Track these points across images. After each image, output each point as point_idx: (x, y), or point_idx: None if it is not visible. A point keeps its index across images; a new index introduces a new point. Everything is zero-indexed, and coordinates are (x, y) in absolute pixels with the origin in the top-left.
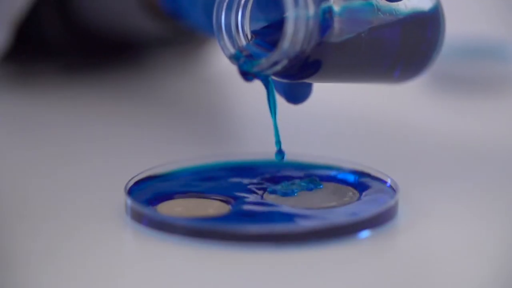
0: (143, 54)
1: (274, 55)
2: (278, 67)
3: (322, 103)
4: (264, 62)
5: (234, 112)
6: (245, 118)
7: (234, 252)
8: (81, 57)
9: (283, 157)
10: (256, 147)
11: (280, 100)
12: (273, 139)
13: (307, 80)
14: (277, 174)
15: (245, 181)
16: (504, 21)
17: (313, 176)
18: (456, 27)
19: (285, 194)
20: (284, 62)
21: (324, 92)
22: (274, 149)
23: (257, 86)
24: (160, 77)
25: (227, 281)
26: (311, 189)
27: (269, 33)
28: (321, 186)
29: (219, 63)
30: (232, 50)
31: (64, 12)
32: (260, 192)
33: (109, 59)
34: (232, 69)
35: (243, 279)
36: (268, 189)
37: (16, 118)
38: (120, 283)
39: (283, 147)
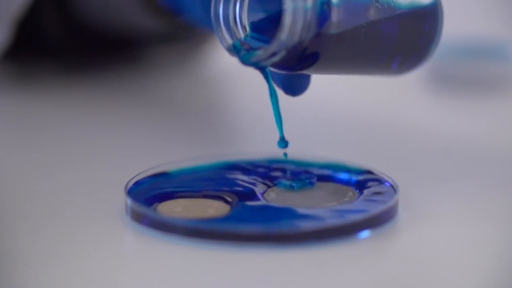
0: (143, 52)
1: (272, 46)
2: (276, 59)
3: (322, 103)
4: (262, 53)
5: (234, 111)
6: (245, 118)
7: (234, 253)
8: (81, 56)
9: (286, 145)
10: (256, 146)
11: (278, 93)
12: (273, 139)
13: (305, 72)
14: (277, 173)
15: (245, 181)
16: (504, 21)
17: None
18: (456, 27)
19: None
20: (282, 53)
21: (324, 91)
22: (274, 148)
23: (257, 86)
24: (160, 76)
25: (227, 281)
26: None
27: (267, 25)
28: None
29: (219, 61)
30: (230, 42)
31: (64, 10)
32: (260, 192)
33: (109, 57)
34: (232, 68)
35: (243, 279)
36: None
37: (16, 118)
38: (120, 283)
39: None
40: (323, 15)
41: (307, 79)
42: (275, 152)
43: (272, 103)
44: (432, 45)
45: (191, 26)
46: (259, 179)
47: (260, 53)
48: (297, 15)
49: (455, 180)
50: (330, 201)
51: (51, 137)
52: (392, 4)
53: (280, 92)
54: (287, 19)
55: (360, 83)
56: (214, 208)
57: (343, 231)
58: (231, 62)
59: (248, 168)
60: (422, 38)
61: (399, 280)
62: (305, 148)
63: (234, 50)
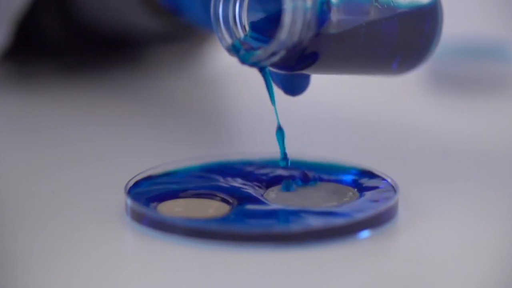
0: (143, 52)
1: (272, 46)
2: (275, 58)
3: (322, 103)
4: (261, 53)
5: (234, 111)
6: (245, 118)
7: (234, 252)
8: (81, 56)
9: (287, 163)
10: (256, 146)
11: (278, 92)
12: (273, 139)
13: (304, 72)
14: (277, 173)
15: (245, 181)
16: (504, 21)
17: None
18: (456, 27)
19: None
20: (282, 53)
21: (324, 91)
22: (274, 148)
23: (257, 86)
24: (160, 76)
25: (227, 282)
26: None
27: (267, 25)
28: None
29: (219, 61)
30: (229, 42)
31: (64, 10)
32: (260, 191)
33: (109, 57)
34: (232, 68)
35: (243, 279)
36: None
37: (16, 118)
38: (120, 283)
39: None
40: (322, 15)
41: (306, 79)
42: (275, 152)
43: (278, 138)
44: (432, 45)
45: (191, 26)
46: (259, 179)
47: (259, 53)
48: (297, 14)
49: (455, 180)
50: (330, 201)
51: (51, 137)
52: (392, 4)
53: (280, 92)
54: (286, 18)
55: (360, 83)
56: (214, 208)
57: (343, 231)
58: (231, 62)
59: (248, 167)
60: (422, 38)
61: (399, 280)
62: (305, 148)
63: (234, 50)
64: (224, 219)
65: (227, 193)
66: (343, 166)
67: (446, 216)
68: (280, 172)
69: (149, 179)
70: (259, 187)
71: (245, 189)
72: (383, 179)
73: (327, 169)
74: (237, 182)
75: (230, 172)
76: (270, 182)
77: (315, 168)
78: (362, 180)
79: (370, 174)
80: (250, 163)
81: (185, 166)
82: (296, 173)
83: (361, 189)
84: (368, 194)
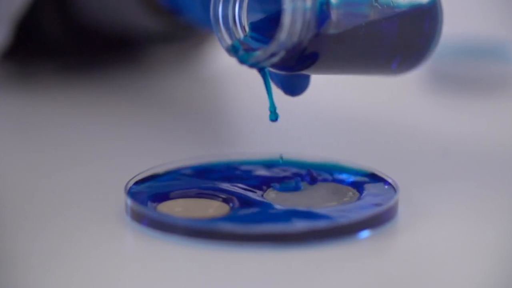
0: (143, 52)
1: (272, 47)
2: (275, 59)
3: (322, 103)
4: (261, 53)
5: (234, 111)
6: (245, 118)
7: (234, 252)
8: (81, 56)
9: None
10: (256, 147)
11: (278, 93)
12: (273, 139)
13: (304, 72)
14: (277, 173)
15: (245, 181)
16: (504, 21)
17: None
18: (456, 27)
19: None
20: (282, 53)
21: (324, 92)
22: (274, 149)
23: (257, 86)
24: (160, 76)
25: (227, 282)
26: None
27: (267, 25)
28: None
29: (219, 61)
30: (229, 42)
31: (64, 10)
32: (260, 191)
33: (109, 57)
34: (232, 68)
35: (243, 279)
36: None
37: (16, 118)
38: (120, 283)
39: (284, 147)
40: (322, 15)
41: (306, 79)
42: (275, 152)
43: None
44: (431, 45)
45: (191, 26)
46: (258, 178)
47: (259, 54)
48: (296, 15)
49: (455, 180)
50: (330, 201)
51: (51, 137)
52: (391, 4)
53: (279, 93)
54: (286, 19)
55: (360, 83)
56: (214, 208)
57: (343, 231)
58: (231, 62)
59: (248, 167)
60: (421, 38)
61: (399, 280)
62: (305, 148)
63: (233, 50)
64: (224, 219)
65: (227, 193)
66: (343, 166)
67: (446, 216)
68: (281, 172)
69: (149, 179)
70: (259, 187)
71: (245, 189)
72: (383, 179)
73: (327, 169)
74: (237, 182)
75: (230, 172)
76: (270, 182)
77: (315, 168)
78: (362, 180)
79: (370, 174)
80: (250, 163)
81: (185, 166)
82: (296, 173)
83: (361, 189)
84: (368, 194)
